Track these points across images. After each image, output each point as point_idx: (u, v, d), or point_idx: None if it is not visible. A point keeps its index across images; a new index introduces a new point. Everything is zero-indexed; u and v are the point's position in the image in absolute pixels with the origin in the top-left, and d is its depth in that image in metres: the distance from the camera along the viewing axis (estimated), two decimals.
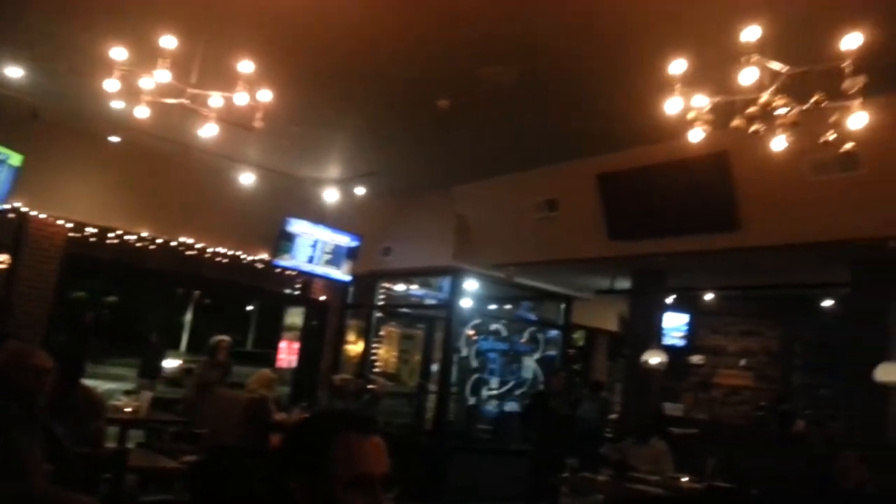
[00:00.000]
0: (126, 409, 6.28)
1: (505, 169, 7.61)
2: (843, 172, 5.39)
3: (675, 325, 10.72)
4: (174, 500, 5.09)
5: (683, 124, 3.60)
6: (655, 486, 5.85)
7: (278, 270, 9.21)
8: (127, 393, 7.39)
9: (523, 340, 10.25)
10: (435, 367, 9.74)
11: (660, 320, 8.65)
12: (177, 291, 12.69)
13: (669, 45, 3.76)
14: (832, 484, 4.71)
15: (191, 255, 8.59)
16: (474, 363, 9.57)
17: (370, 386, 7.76)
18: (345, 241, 9.41)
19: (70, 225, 7.81)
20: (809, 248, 6.29)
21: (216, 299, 13.53)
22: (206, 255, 8.69)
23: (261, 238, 8.90)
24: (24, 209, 7.48)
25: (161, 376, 11.33)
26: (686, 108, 3.54)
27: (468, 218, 8.74)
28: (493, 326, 9.97)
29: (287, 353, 10.51)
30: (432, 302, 10.49)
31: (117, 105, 4.54)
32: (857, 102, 3.15)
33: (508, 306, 10.93)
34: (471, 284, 9.28)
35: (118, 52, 4.29)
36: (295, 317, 10.61)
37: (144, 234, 8.21)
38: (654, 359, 7.94)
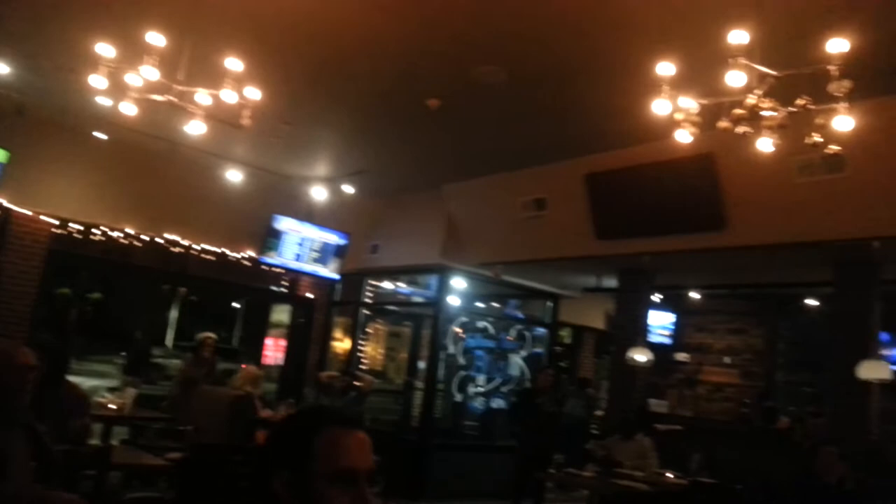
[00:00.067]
0: (110, 406, 6.25)
1: (493, 168, 7.62)
2: (829, 174, 5.43)
3: (661, 322, 10.81)
4: (158, 497, 5.08)
5: (671, 125, 3.63)
6: (640, 481, 5.92)
7: (265, 268, 9.17)
8: (111, 390, 7.35)
9: (510, 338, 10.26)
10: (422, 365, 9.74)
11: (646, 318, 8.71)
12: (162, 288, 12.56)
13: (658, 48, 3.78)
14: (814, 479, 4.79)
15: (177, 252, 8.53)
16: (461, 360, 9.57)
17: (357, 383, 7.73)
18: (333, 238, 9.40)
19: (55, 221, 7.73)
20: (794, 248, 6.36)
21: (202, 296, 13.40)
22: (193, 252, 8.63)
23: (248, 235, 8.85)
24: (7, 205, 7.40)
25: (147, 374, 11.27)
26: (674, 109, 3.57)
27: (456, 216, 8.75)
28: (481, 324, 9.98)
29: (273, 350, 10.49)
30: (419, 300, 10.50)
31: (104, 102, 4.50)
32: (842, 106, 3.19)
33: (496, 304, 10.95)
34: (458, 282, 9.28)
35: (105, 49, 4.25)
36: (281, 314, 10.58)
37: (130, 230, 8.14)
38: (640, 356, 7.99)
